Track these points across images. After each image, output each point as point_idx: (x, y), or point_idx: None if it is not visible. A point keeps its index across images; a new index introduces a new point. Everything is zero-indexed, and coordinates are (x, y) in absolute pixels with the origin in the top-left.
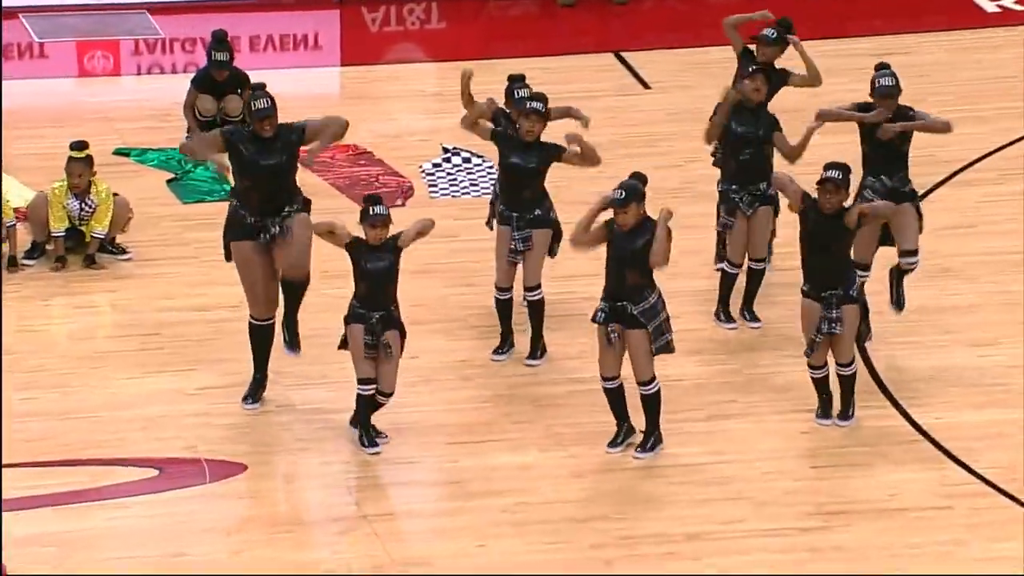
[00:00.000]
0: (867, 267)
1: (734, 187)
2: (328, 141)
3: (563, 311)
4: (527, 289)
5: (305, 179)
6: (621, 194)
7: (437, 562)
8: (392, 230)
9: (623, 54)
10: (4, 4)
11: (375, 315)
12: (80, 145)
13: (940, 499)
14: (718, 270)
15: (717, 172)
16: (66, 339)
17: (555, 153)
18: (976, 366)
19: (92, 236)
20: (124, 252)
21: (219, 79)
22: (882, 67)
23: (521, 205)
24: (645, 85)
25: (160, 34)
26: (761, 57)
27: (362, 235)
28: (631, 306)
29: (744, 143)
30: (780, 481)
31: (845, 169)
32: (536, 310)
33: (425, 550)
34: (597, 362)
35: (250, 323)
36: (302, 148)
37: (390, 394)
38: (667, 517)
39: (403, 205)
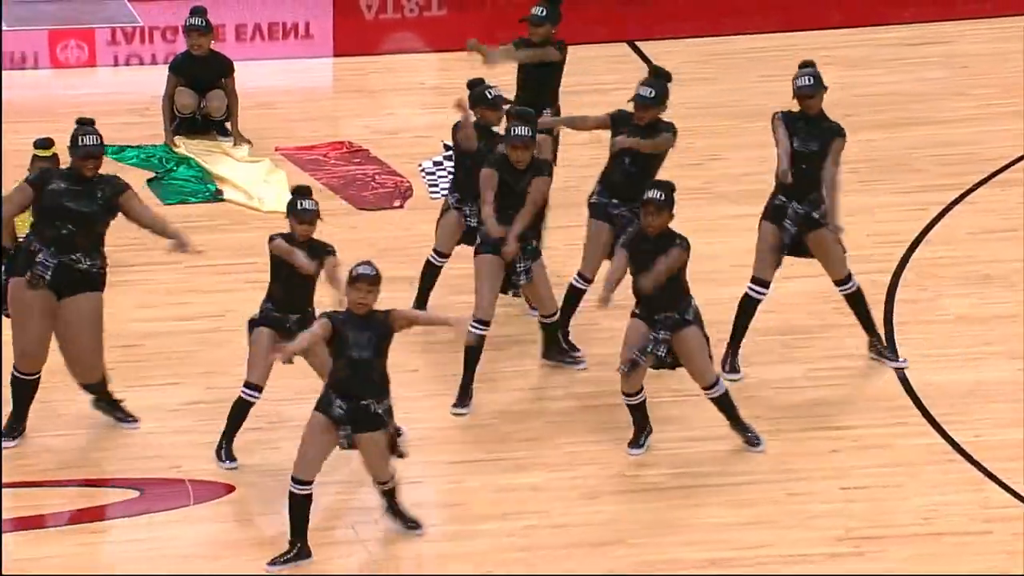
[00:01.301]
0: (766, 284)
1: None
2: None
3: (573, 323)
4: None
5: (296, 180)
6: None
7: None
8: (383, 229)
9: (638, 44)
10: None
11: (291, 317)
12: (45, 143)
13: (979, 523)
14: None
15: (740, 170)
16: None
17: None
18: (1018, 380)
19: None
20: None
21: (196, 52)
22: (805, 64)
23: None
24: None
25: (139, 22)
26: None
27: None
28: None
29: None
30: (807, 504)
31: (668, 188)
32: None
33: (436, 562)
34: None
35: (13, 375)
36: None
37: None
38: (686, 542)
39: (401, 207)
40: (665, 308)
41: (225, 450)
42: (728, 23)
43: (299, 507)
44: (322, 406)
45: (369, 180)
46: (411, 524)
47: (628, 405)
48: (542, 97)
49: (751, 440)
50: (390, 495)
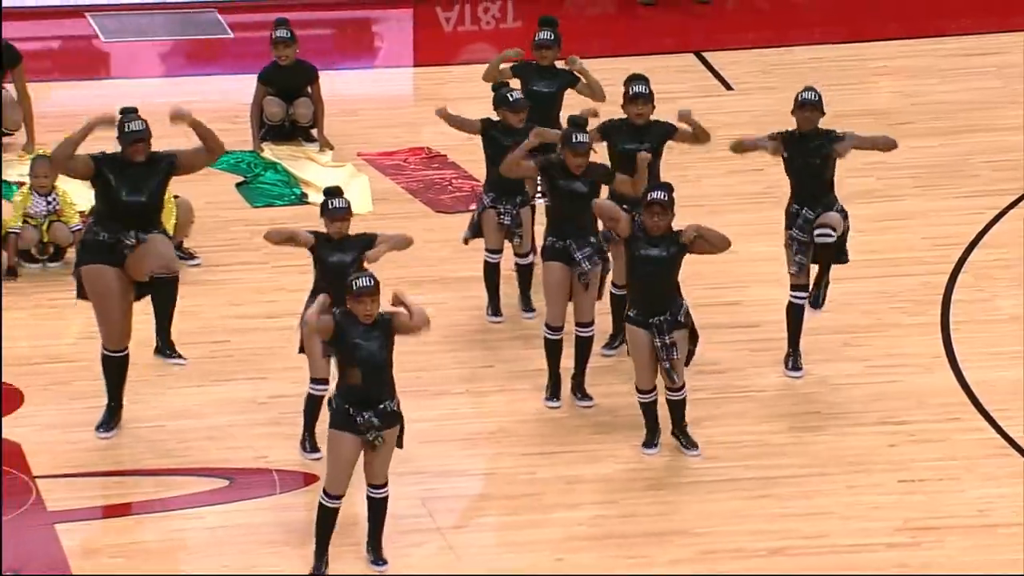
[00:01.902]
0: (804, 287)
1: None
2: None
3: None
4: (579, 325)
5: (378, 184)
6: (665, 196)
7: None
8: (460, 230)
9: (704, 54)
10: (72, 2)
11: (336, 311)
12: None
13: None
14: None
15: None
16: (133, 346)
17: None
18: None
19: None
20: (193, 257)
21: (283, 62)
22: (808, 89)
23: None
24: (727, 86)
25: (229, 34)
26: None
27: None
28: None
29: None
30: (866, 495)
31: (670, 189)
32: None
33: (500, 564)
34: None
35: (103, 355)
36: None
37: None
38: (749, 531)
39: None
40: (661, 311)
41: (308, 442)
42: (791, 34)
43: (327, 519)
44: (343, 424)
45: (446, 184)
46: (378, 560)
47: (641, 403)
48: (549, 118)
49: (687, 445)
50: (381, 505)
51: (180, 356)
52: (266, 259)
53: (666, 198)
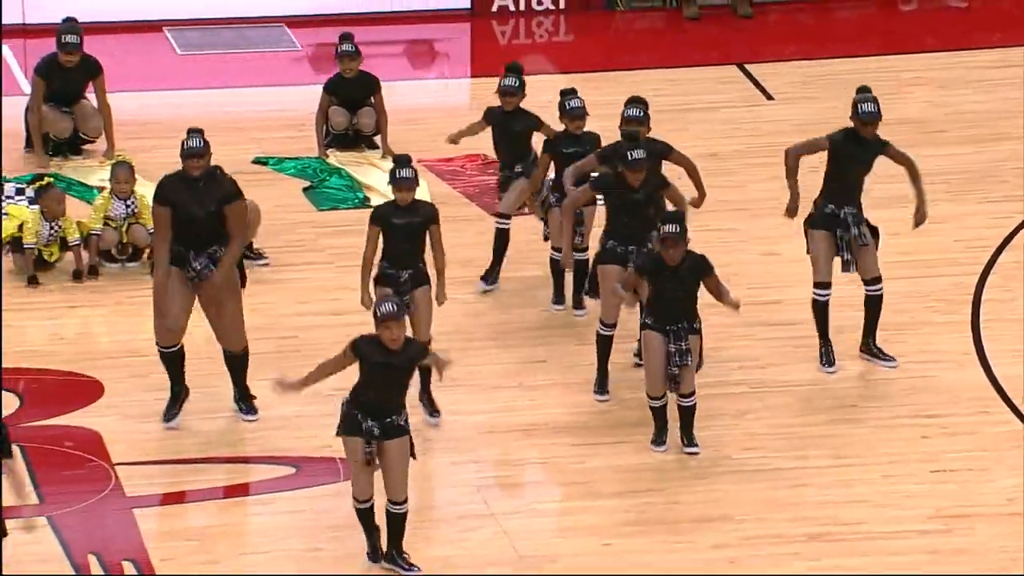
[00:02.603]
0: (828, 285)
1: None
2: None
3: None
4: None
5: (436, 189)
6: (677, 228)
7: (563, 559)
8: (514, 233)
9: (747, 66)
10: (150, 17)
11: (404, 273)
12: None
13: None
14: None
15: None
16: (207, 341)
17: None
18: None
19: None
20: (262, 257)
21: (348, 74)
22: (863, 90)
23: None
24: (768, 96)
25: (297, 47)
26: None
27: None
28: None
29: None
30: (900, 484)
31: (681, 220)
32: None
33: (552, 548)
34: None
35: (160, 351)
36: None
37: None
38: (789, 518)
39: (531, 213)
40: (680, 319)
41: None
42: (830, 47)
43: (365, 518)
44: (351, 429)
45: (495, 187)
46: (407, 566)
47: (652, 408)
48: (521, 153)
49: (689, 444)
50: (399, 522)
51: (253, 411)
52: (331, 259)
53: (678, 230)
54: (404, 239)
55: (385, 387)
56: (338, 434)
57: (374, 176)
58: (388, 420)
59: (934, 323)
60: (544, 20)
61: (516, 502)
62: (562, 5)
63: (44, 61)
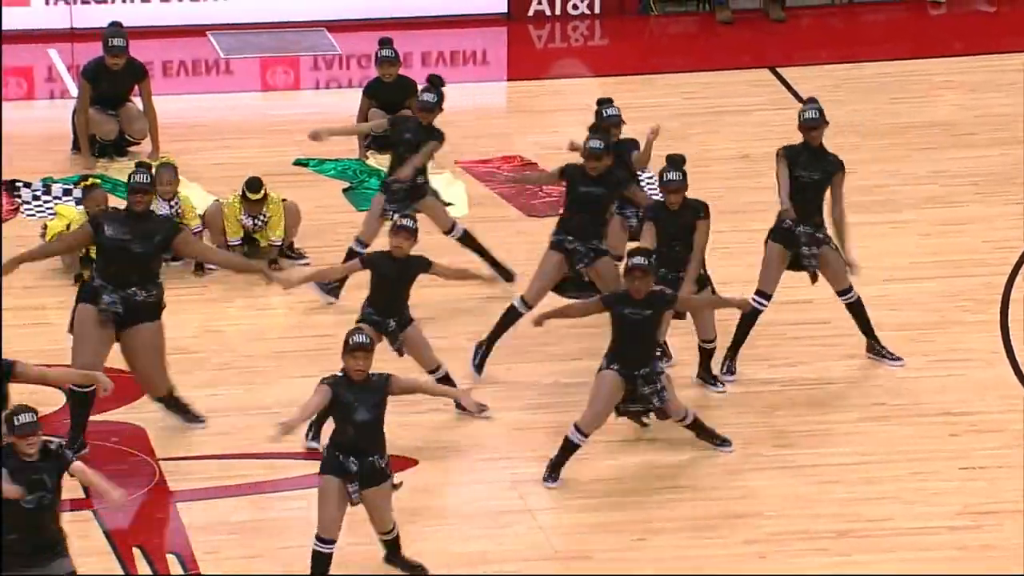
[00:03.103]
0: (768, 297)
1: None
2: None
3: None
4: None
5: (474, 190)
6: (646, 261)
7: (597, 555)
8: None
9: (779, 69)
10: (194, 22)
11: (390, 322)
12: (256, 185)
13: None
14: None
15: (869, 182)
16: (248, 339)
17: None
18: None
19: (271, 244)
20: (302, 257)
21: (387, 79)
22: (810, 101)
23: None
24: (800, 99)
25: (337, 50)
26: None
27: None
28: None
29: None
30: (929, 481)
31: (649, 254)
32: None
33: (586, 543)
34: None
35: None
36: None
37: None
38: (817, 515)
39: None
40: (643, 364)
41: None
42: (860, 51)
43: (320, 565)
44: (331, 468)
45: (537, 190)
46: (416, 569)
47: (570, 441)
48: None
49: (722, 443)
50: (393, 545)
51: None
52: None
53: (646, 263)
54: (392, 288)
55: (358, 424)
56: (320, 472)
57: None
58: (370, 460)
59: (963, 322)
60: (579, 24)
61: (551, 498)
62: (597, 9)
63: (91, 64)
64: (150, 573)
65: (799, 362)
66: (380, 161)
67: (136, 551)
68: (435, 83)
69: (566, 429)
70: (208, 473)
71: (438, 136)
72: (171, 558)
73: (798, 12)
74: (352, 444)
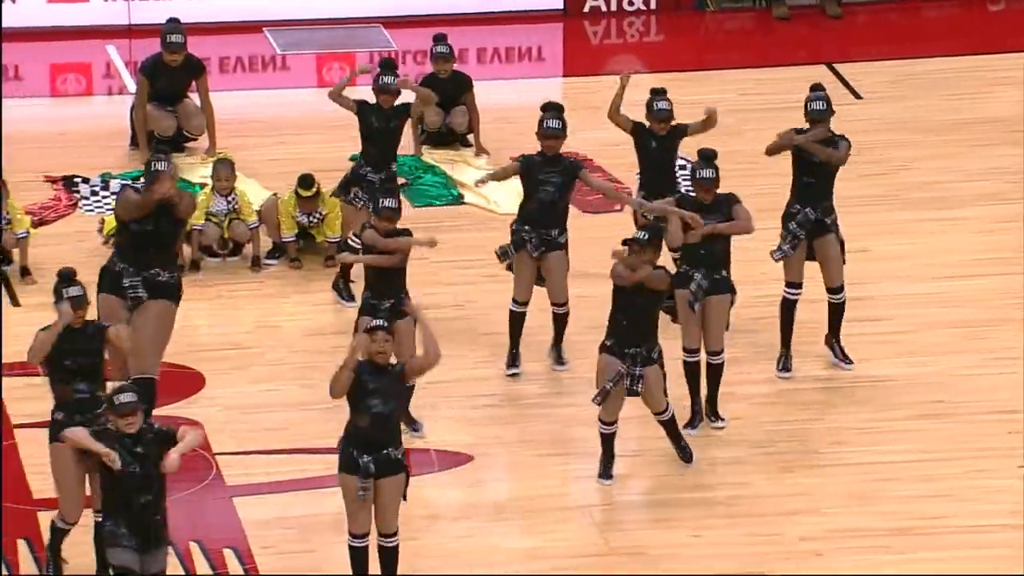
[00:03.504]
0: (799, 285)
1: None
2: None
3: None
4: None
5: None
6: (644, 236)
7: (652, 551)
8: (607, 229)
9: (836, 65)
10: (251, 18)
11: (384, 303)
12: (308, 182)
13: None
14: None
15: (925, 179)
16: (303, 334)
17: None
18: None
19: (327, 241)
20: (358, 252)
21: (442, 75)
22: (816, 88)
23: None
24: (857, 96)
25: (393, 46)
26: None
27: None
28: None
29: None
30: (986, 479)
31: (654, 230)
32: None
33: (642, 539)
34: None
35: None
36: None
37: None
38: (876, 512)
39: (621, 210)
40: (637, 343)
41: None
42: (918, 47)
43: (358, 560)
44: (349, 467)
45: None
46: None
47: (602, 434)
48: (390, 153)
49: (684, 455)
50: (391, 555)
51: None
52: (427, 255)
53: (646, 237)
54: (387, 270)
55: (375, 414)
56: (338, 471)
57: (467, 174)
58: (384, 452)
59: (1018, 320)
60: (635, 20)
61: (607, 494)
62: (653, 5)
63: (149, 61)
64: (208, 568)
65: (858, 359)
66: (435, 157)
67: (193, 546)
68: (390, 66)
69: (624, 425)
70: (265, 468)
71: (407, 110)
72: (228, 553)
73: (855, 8)
74: (366, 437)
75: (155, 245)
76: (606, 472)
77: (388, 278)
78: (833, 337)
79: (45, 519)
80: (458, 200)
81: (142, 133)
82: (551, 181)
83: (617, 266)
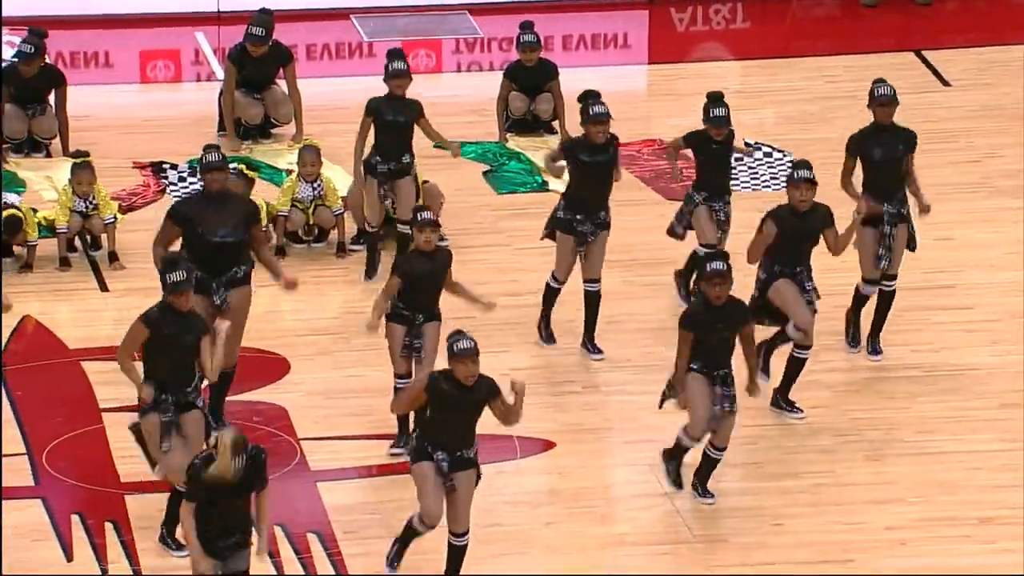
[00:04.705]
0: (876, 282)
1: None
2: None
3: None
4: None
5: None
6: (724, 265)
7: (733, 539)
8: None
9: (924, 52)
10: (338, 5)
11: (419, 316)
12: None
13: None
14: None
15: (1013, 166)
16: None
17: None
18: None
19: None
20: (441, 239)
21: (528, 64)
22: (880, 81)
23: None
24: (945, 83)
25: (479, 33)
26: None
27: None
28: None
29: None
30: None
31: (726, 257)
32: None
33: (723, 527)
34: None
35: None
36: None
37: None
38: (961, 501)
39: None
40: (724, 364)
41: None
42: (1008, 33)
43: (454, 552)
44: (424, 456)
45: (677, 172)
46: None
47: (684, 447)
48: (404, 146)
49: (703, 494)
50: (459, 554)
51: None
52: (508, 241)
53: (725, 267)
54: (424, 286)
55: (456, 424)
56: (411, 463)
57: None
58: (458, 454)
59: None
60: (721, 7)
61: (688, 481)
62: None
63: (236, 48)
64: (292, 552)
65: (943, 347)
66: (520, 144)
67: (278, 530)
68: (396, 55)
69: None
70: (349, 453)
71: (419, 107)
72: (311, 537)
73: None
74: (444, 441)
75: (229, 253)
76: (676, 482)
77: (423, 291)
78: (873, 329)
79: (132, 503)
80: (543, 187)
81: (229, 120)
82: (602, 165)
83: (696, 313)
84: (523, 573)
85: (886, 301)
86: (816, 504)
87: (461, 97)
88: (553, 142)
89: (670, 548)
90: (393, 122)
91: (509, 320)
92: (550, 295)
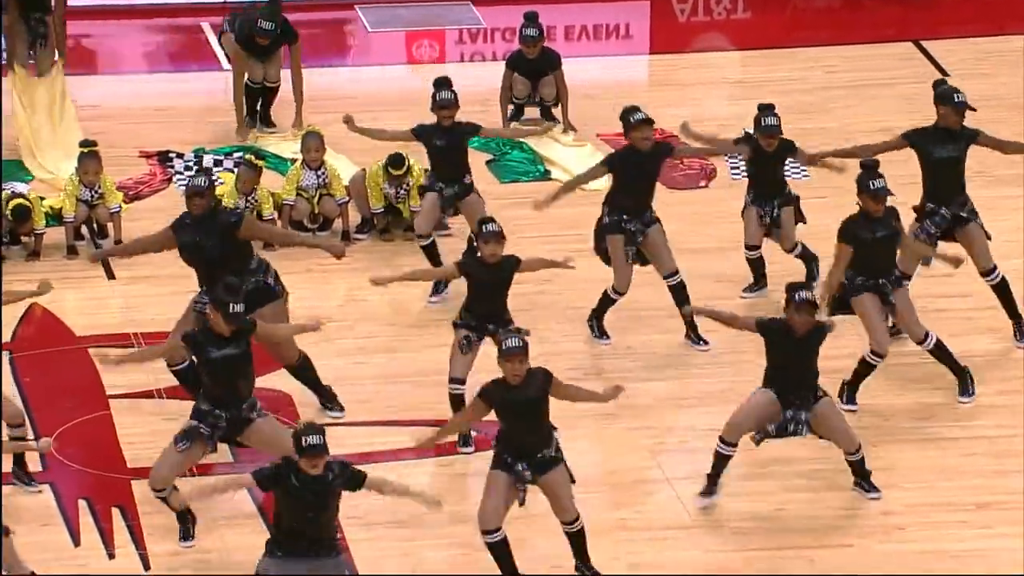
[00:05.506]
0: (909, 277)
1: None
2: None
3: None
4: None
5: None
6: (810, 295)
7: (734, 523)
8: (692, 204)
9: (923, 43)
10: None
11: (488, 326)
12: (398, 161)
13: None
14: None
15: (1012, 156)
16: (392, 308)
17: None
18: None
19: (413, 213)
20: (445, 228)
21: (530, 56)
22: (941, 83)
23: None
24: (944, 73)
25: (482, 24)
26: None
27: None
28: None
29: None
30: None
31: (807, 285)
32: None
33: (724, 511)
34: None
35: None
36: None
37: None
38: (958, 487)
39: (706, 186)
40: (802, 388)
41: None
42: (1007, 24)
43: (499, 551)
44: (502, 465)
45: (678, 162)
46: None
47: (721, 454)
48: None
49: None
50: (578, 538)
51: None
52: (513, 231)
53: (809, 297)
54: (490, 295)
55: (522, 428)
56: (491, 468)
57: (555, 150)
58: (539, 456)
59: None
60: None
61: (691, 467)
62: None
63: (244, 33)
64: None
65: (942, 334)
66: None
67: None
68: (442, 84)
69: (708, 400)
70: (352, 439)
71: (473, 128)
72: None
73: None
74: (519, 446)
75: (226, 268)
76: (709, 489)
77: (490, 299)
78: (1010, 317)
79: (139, 488)
80: (545, 176)
81: (240, 111)
82: (647, 169)
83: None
84: (525, 558)
85: (1001, 291)
86: (814, 489)
87: (464, 87)
88: (555, 131)
89: (671, 533)
90: (445, 147)
91: (513, 308)
92: (606, 302)
